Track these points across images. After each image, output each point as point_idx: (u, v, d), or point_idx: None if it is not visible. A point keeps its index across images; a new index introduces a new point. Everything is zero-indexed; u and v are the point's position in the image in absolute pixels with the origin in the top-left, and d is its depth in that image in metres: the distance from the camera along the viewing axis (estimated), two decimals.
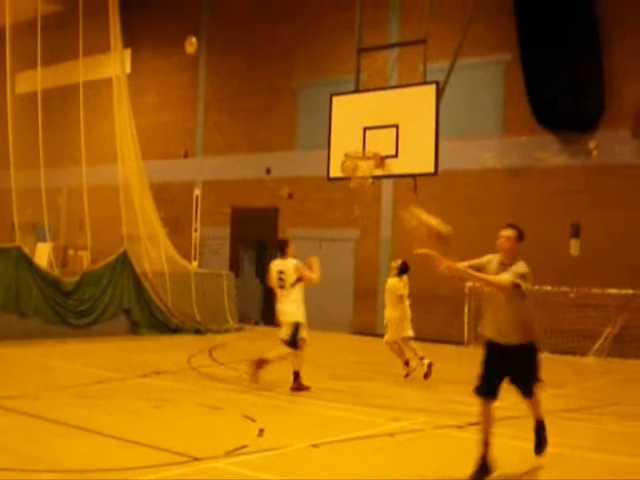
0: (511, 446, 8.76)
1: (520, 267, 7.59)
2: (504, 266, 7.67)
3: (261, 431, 9.13)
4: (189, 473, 7.35)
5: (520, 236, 7.80)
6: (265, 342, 19.90)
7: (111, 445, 8.35)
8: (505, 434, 9.37)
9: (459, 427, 9.78)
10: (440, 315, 19.48)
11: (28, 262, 18.05)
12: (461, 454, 8.53)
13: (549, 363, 16.93)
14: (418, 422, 10.05)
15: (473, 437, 9.27)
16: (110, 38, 21.05)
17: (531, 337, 7.76)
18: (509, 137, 19.63)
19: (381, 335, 20.92)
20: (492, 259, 7.86)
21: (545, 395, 12.45)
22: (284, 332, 12.23)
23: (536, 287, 18.28)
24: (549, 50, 17.66)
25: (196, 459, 7.75)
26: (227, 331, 20.93)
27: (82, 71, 21.09)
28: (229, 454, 7.98)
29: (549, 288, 18.16)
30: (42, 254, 22.37)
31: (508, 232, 7.79)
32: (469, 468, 7.52)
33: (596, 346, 17.63)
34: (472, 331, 19.13)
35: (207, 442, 8.53)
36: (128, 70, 24.76)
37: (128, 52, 25.61)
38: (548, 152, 18.97)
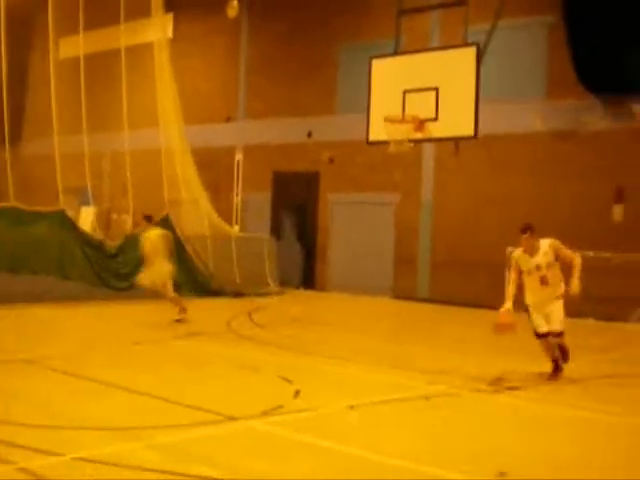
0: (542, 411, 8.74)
1: None
2: None
3: (297, 392, 9.19)
4: (225, 432, 7.45)
5: None
6: (305, 305, 20.12)
7: (148, 404, 8.49)
8: (538, 398, 9.38)
9: (496, 391, 9.77)
10: (481, 281, 19.36)
11: (72, 225, 18.31)
12: (494, 417, 8.54)
13: (593, 329, 16.92)
14: (454, 385, 10.05)
15: (509, 401, 9.31)
16: (151, 2, 21.07)
17: None
18: (553, 100, 19.36)
19: (422, 299, 21.01)
20: None
21: (588, 360, 12.48)
22: (557, 321, 10.37)
23: (579, 253, 18.17)
24: (593, 11, 17.34)
25: (232, 418, 7.84)
26: (268, 294, 21.05)
27: (124, 36, 21.18)
28: (265, 414, 8.06)
29: (591, 253, 17.97)
30: (86, 218, 22.71)
31: None
32: (501, 431, 7.51)
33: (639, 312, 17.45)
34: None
35: (243, 402, 8.63)
36: (170, 34, 24.82)
37: (170, 16, 25.62)
38: (592, 115, 18.67)
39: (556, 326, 10.31)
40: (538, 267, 10.26)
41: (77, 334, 13.16)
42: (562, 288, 10.32)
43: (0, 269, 16.63)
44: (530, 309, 10.51)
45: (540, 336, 10.37)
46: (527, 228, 10.35)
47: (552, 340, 10.37)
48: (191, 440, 7.09)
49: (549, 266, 10.25)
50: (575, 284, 10.03)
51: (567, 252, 10.32)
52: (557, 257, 10.30)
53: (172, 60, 21.34)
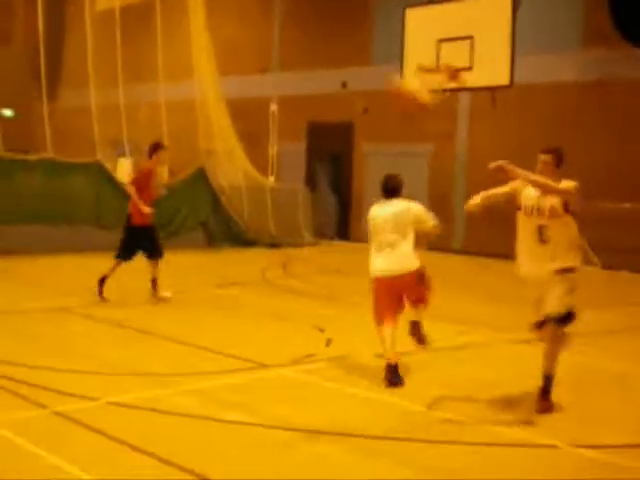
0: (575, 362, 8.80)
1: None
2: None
3: (329, 341, 9.33)
4: (256, 379, 7.62)
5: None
6: (341, 255, 20.24)
7: (184, 351, 8.67)
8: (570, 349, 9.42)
9: (526, 342, 9.81)
10: (515, 232, 19.24)
11: (108, 177, 18.50)
12: (523, 367, 8.59)
13: (627, 281, 16.85)
14: (485, 336, 10.12)
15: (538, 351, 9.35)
16: None
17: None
18: (589, 50, 19.03)
19: (456, 251, 21.00)
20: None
21: (622, 312, 12.48)
22: (555, 300, 6.85)
23: (614, 204, 18.01)
24: None
25: (264, 366, 8.00)
26: (302, 245, 21.15)
27: None
28: (296, 362, 8.21)
29: (628, 205, 17.82)
30: (123, 169, 22.87)
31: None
32: (529, 381, 7.58)
33: None
34: None
35: (276, 350, 8.77)
36: None
37: None
38: (628, 66, 18.35)
39: (551, 307, 6.85)
40: (540, 210, 6.94)
41: (114, 284, 13.35)
42: (573, 261, 6.97)
43: (37, 220, 16.81)
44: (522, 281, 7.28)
45: (534, 327, 7.17)
46: (552, 150, 7.07)
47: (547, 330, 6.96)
48: (224, 386, 7.26)
49: (554, 215, 6.87)
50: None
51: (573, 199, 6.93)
52: (567, 208, 6.89)
53: (207, 11, 21.27)
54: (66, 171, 17.75)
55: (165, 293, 11.87)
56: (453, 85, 14.55)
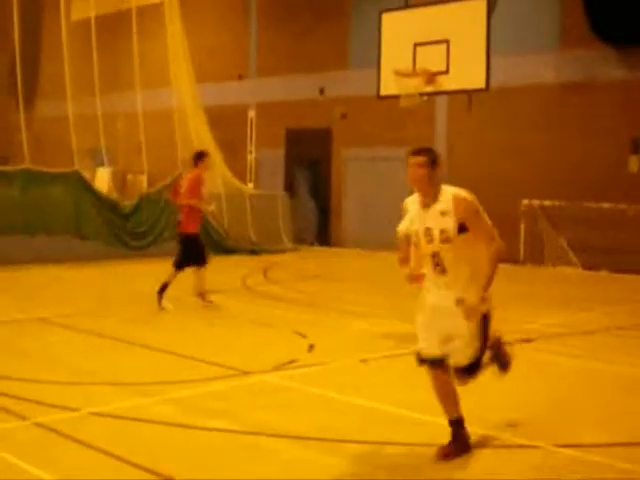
0: (553, 362, 8.82)
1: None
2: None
3: (311, 346, 9.31)
4: (239, 386, 7.58)
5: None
6: (321, 260, 20.23)
7: (165, 360, 8.63)
8: (550, 350, 9.46)
9: (509, 344, 9.82)
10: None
11: (87, 186, 18.42)
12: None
13: (606, 281, 16.92)
14: None
15: (519, 353, 9.35)
16: None
17: None
18: (566, 51, 19.15)
19: None
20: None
21: (601, 312, 12.53)
22: (464, 349, 5.67)
23: (594, 204, 18.11)
24: None
25: (246, 373, 7.97)
26: (282, 251, 21.15)
27: None
28: (278, 368, 8.18)
29: (607, 205, 17.91)
30: (102, 179, 22.81)
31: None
32: (510, 382, 7.59)
33: None
34: (528, 249, 19.02)
35: (258, 357, 8.75)
36: None
37: None
38: (606, 66, 18.47)
39: (459, 358, 5.68)
40: (428, 232, 5.64)
41: (93, 293, 13.32)
42: (477, 294, 5.48)
43: (16, 231, 16.71)
44: (419, 310, 6.05)
45: (425, 361, 5.84)
46: (424, 151, 5.79)
47: (455, 377, 5.82)
48: (206, 394, 7.22)
49: (446, 239, 5.55)
50: (478, 294, 5.45)
51: (485, 224, 5.61)
52: (465, 226, 5.54)
53: (183, 18, 21.24)
54: (44, 181, 17.67)
55: (168, 304, 11.83)
56: (430, 89, 14.61)
